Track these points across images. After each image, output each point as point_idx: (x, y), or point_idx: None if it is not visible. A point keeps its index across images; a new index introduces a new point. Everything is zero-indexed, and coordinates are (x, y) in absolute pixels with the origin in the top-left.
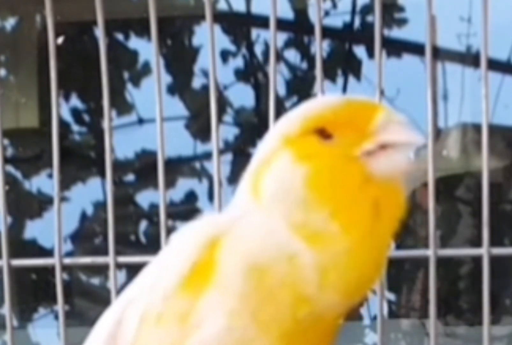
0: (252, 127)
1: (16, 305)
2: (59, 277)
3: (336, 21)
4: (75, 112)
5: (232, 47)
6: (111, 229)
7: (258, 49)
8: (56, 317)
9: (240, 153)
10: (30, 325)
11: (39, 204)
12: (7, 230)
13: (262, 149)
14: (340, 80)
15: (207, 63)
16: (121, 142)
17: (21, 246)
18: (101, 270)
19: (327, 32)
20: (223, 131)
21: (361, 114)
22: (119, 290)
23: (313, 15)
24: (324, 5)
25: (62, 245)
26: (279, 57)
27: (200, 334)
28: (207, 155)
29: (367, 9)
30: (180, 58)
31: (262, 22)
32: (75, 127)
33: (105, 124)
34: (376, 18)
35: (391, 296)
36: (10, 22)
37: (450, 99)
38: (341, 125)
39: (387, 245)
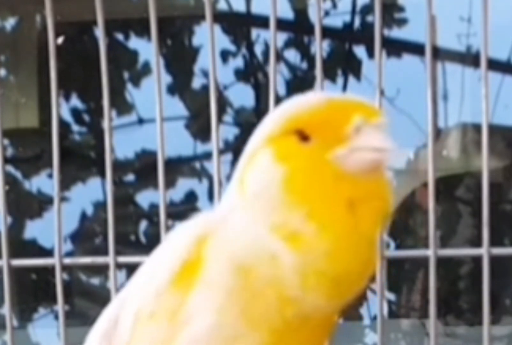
0: (252, 127)
1: (16, 305)
2: (59, 277)
3: (336, 21)
4: (75, 112)
5: (232, 47)
6: (111, 229)
7: (258, 49)
8: (56, 317)
9: (240, 153)
10: (30, 325)
11: (39, 204)
12: (7, 230)
13: (249, 147)
14: (340, 80)
15: (207, 63)
16: (121, 142)
17: (21, 246)
18: (101, 270)
19: (327, 32)
20: (223, 131)
21: (339, 116)
22: (119, 290)
23: (313, 15)
24: (324, 5)
25: (62, 245)
26: (279, 57)
27: (189, 330)
28: (207, 155)
29: (367, 9)
30: (180, 58)
31: (262, 22)
32: (75, 127)
33: (105, 124)
34: (376, 18)
35: (391, 296)
36: (10, 22)
37: (450, 99)
38: (318, 127)
39: (371, 244)
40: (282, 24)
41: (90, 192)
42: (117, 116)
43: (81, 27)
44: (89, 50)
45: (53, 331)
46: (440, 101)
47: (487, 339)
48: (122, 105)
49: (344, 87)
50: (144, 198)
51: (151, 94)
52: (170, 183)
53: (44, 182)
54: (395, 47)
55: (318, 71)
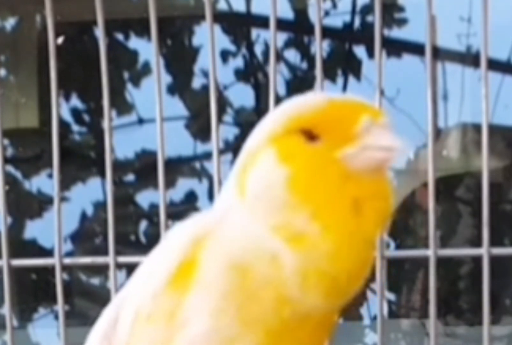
0: (252, 127)
1: (16, 305)
2: (59, 277)
3: (336, 21)
4: (75, 112)
5: (232, 47)
6: (111, 229)
7: (258, 49)
8: (56, 317)
9: (240, 154)
10: (30, 325)
11: (39, 204)
12: (7, 230)
13: (248, 145)
14: (340, 80)
15: (207, 63)
16: (121, 142)
17: (21, 246)
18: (101, 270)
19: (327, 32)
20: (223, 131)
21: (346, 116)
22: (119, 290)
23: (313, 15)
24: (324, 5)
25: (62, 245)
26: (279, 57)
27: (186, 332)
28: (207, 155)
29: (367, 9)
30: (180, 58)
31: (262, 22)
32: (75, 127)
33: (105, 124)
34: (376, 18)
35: (391, 296)
36: (10, 22)
37: (450, 99)
38: (326, 127)
39: (372, 245)
40: (282, 24)
41: (90, 192)
42: (117, 116)
43: (81, 27)
44: (89, 50)
45: (53, 331)
46: (440, 101)
47: (487, 339)
48: (122, 105)
49: (344, 87)
50: (144, 198)
51: (151, 94)
52: (170, 183)
53: (44, 182)
54: (395, 47)
55: (318, 71)
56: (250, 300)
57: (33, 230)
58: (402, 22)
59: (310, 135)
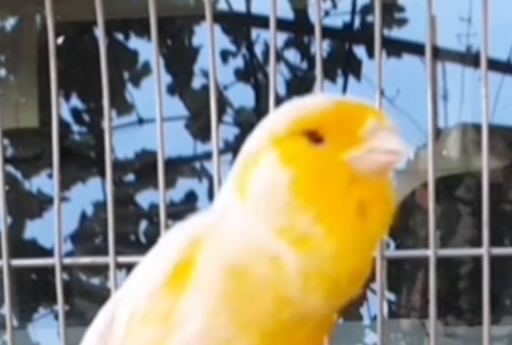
0: (252, 127)
1: (16, 305)
2: (59, 277)
3: (336, 21)
4: (75, 112)
5: (232, 47)
6: (111, 229)
7: (258, 49)
8: (56, 317)
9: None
10: (30, 325)
11: (39, 204)
12: (7, 230)
13: (249, 146)
14: (340, 80)
15: (207, 63)
16: (121, 142)
17: (21, 246)
18: (101, 270)
19: (327, 32)
20: (223, 131)
21: (352, 118)
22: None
23: (313, 15)
24: (324, 5)
25: (62, 245)
26: (279, 57)
27: (181, 333)
28: (207, 155)
29: (367, 9)
30: (180, 58)
31: (262, 22)
32: (75, 127)
33: (105, 124)
34: (376, 18)
35: (391, 296)
36: (10, 22)
37: (450, 99)
38: (331, 129)
39: (374, 246)
40: (282, 24)
41: (90, 192)
42: (117, 116)
43: (81, 27)
44: (89, 50)
45: (53, 331)
46: (440, 101)
47: (487, 339)
48: (122, 105)
49: (344, 87)
50: (144, 198)
51: (151, 94)
52: (170, 183)
53: (44, 182)
54: (395, 47)
55: (318, 71)
56: (247, 302)
57: (33, 230)
58: (402, 22)
59: (314, 137)
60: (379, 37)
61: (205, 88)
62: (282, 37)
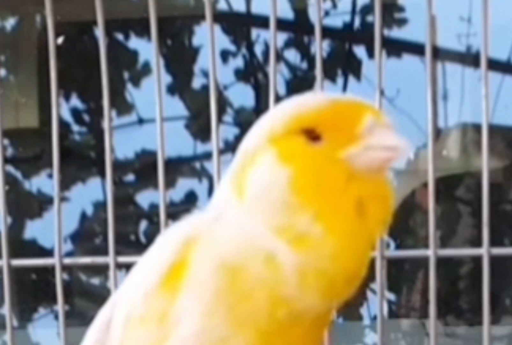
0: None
1: (16, 305)
2: (59, 277)
3: (336, 21)
4: (75, 112)
5: (232, 47)
6: (111, 229)
7: (258, 49)
8: (56, 317)
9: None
10: (30, 325)
11: (39, 204)
12: (7, 230)
13: (246, 144)
14: (340, 80)
15: (207, 63)
16: (121, 142)
17: (21, 246)
18: (101, 270)
19: (327, 32)
20: (223, 131)
21: (349, 116)
22: None
23: (313, 15)
24: (324, 5)
25: (62, 245)
26: (279, 57)
27: (177, 333)
28: (207, 155)
29: (367, 9)
30: (180, 58)
31: (262, 22)
32: (75, 127)
33: (105, 124)
34: (376, 18)
35: (391, 296)
36: (10, 22)
37: (450, 99)
38: (329, 127)
39: (372, 245)
40: (282, 24)
41: (90, 192)
42: (117, 116)
43: (81, 27)
44: (89, 50)
45: (53, 331)
46: (440, 101)
47: (487, 339)
48: (122, 105)
49: (344, 87)
50: (144, 198)
51: (151, 94)
52: (170, 183)
53: (44, 182)
54: (395, 47)
55: (318, 71)
56: (242, 301)
57: (33, 230)
58: (402, 22)
59: (312, 135)
60: (379, 37)
61: (205, 88)
62: (282, 37)
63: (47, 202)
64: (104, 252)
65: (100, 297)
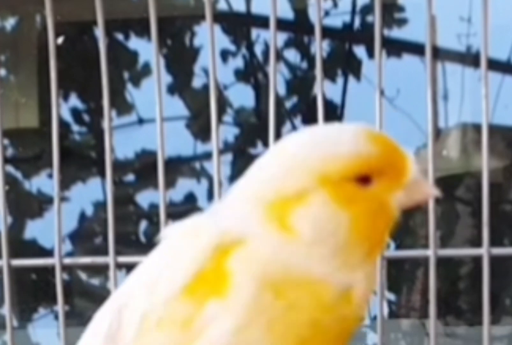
0: (252, 127)
1: (16, 305)
2: (59, 277)
3: (336, 21)
4: (75, 112)
5: (232, 47)
6: (111, 229)
7: (258, 49)
8: (56, 317)
9: (240, 153)
10: (30, 325)
11: (39, 204)
12: (7, 230)
13: (285, 178)
14: (340, 80)
15: (207, 63)
16: (121, 142)
17: (21, 246)
18: (101, 270)
19: (327, 32)
20: (223, 131)
21: (396, 164)
22: None
23: (313, 15)
24: (324, 5)
25: (62, 245)
26: (279, 57)
27: (204, 342)
28: (207, 155)
29: (367, 9)
30: (180, 58)
31: (262, 22)
32: (75, 127)
33: (105, 124)
34: (376, 18)
35: (391, 296)
36: (10, 22)
37: (450, 99)
38: (379, 173)
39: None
40: (282, 24)
41: (90, 192)
42: (117, 116)
43: (81, 27)
44: (89, 50)
45: (53, 331)
46: (440, 101)
47: (487, 339)
48: (122, 105)
49: (344, 87)
50: (144, 198)
51: (151, 94)
52: (170, 183)
53: (44, 182)
54: (395, 47)
55: (318, 71)
56: (283, 314)
57: (33, 230)
58: (402, 22)
59: (364, 179)
60: (379, 37)
61: (205, 88)
62: (282, 37)
63: (47, 202)
64: (104, 252)
65: (100, 297)
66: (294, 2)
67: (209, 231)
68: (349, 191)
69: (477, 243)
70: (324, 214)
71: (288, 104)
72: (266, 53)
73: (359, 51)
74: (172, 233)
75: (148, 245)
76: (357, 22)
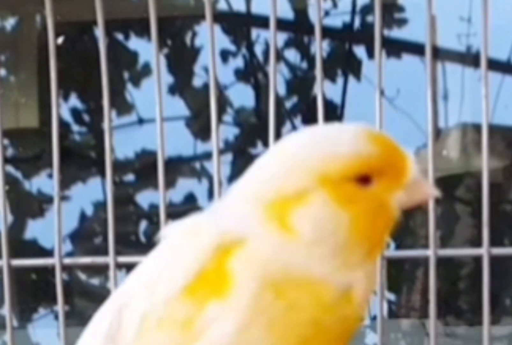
0: (252, 127)
1: (16, 305)
2: (59, 277)
3: (336, 21)
4: (75, 112)
5: (232, 47)
6: (111, 229)
7: (258, 49)
8: (56, 317)
9: (240, 153)
10: (30, 325)
11: (39, 204)
12: (7, 230)
13: (284, 178)
14: (340, 80)
15: (207, 63)
16: (121, 142)
17: (21, 246)
18: (101, 270)
19: (327, 32)
20: (223, 131)
21: (396, 164)
22: None
23: (313, 15)
24: (324, 5)
25: (62, 245)
26: (279, 57)
27: (205, 343)
28: (207, 155)
29: (367, 9)
30: (180, 58)
31: (262, 22)
32: (75, 127)
33: (105, 124)
34: (376, 18)
35: (391, 296)
36: (10, 22)
37: (450, 99)
38: (379, 173)
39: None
40: (282, 24)
41: (90, 192)
42: (117, 116)
43: (81, 27)
44: (89, 50)
45: (53, 331)
46: (440, 101)
47: (487, 339)
48: (122, 105)
49: (344, 87)
50: (144, 198)
51: (151, 94)
52: (170, 183)
53: (44, 182)
54: (395, 47)
55: (318, 71)
56: (284, 314)
57: (33, 230)
58: (402, 22)
59: (364, 178)
60: (379, 37)
61: (205, 88)
62: (282, 37)
63: (47, 202)
64: (104, 252)
65: (100, 297)
66: (294, 2)
67: (209, 230)
68: (349, 190)
69: (477, 243)
70: (324, 213)
71: (288, 104)
72: (266, 53)
73: (359, 51)
74: (171, 232)
75: (148, 245)
76: (357, 22)
